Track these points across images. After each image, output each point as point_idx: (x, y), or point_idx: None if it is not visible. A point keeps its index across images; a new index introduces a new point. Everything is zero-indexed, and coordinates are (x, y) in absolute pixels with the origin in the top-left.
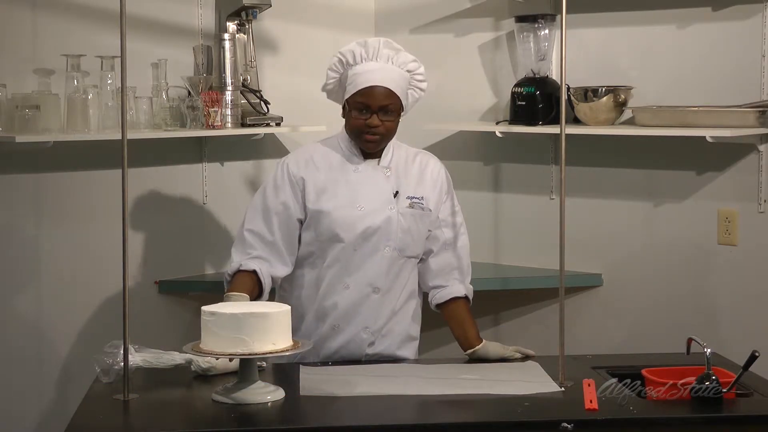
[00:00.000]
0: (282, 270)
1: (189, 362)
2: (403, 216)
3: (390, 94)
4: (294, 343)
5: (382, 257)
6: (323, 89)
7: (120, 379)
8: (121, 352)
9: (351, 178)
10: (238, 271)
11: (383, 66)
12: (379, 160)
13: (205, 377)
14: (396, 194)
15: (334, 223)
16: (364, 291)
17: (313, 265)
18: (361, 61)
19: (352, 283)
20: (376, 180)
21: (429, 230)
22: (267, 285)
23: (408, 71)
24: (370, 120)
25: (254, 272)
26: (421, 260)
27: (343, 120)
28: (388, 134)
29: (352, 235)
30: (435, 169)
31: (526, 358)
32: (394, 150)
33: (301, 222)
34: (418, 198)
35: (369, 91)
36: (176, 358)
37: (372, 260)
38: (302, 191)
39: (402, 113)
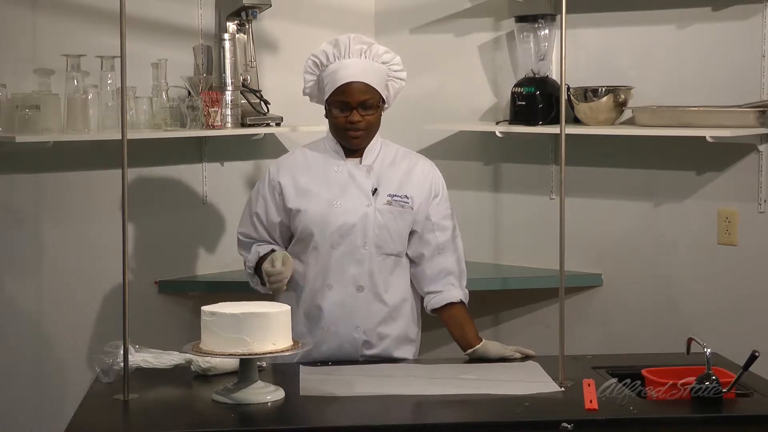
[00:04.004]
0: None
1: (189, 362)
2: (380, 213)
3: (367, 88)
4: (294, 343)
5: (362, 255)
6: (304, 94)
7: (120, 379)
8: (121, 352)
9: (331, 178)
10: (260, 258)
11: (357, 61)
12: (361, 159)
13: (205, 377)
14: (375, 191)
15: (309, 222)
16: (348, 290)
17: (302, 265)
18: (335, 60)
19: (335, 283)
20: (356, 178)
21: (416, 231)
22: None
23: (383, 63)
24: (351, 116)
25: (273, 251)
26: (414, 263)
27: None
28: (371, 128)
29: (328, 232)
30: (424, 170)
31: (526, 358)
32: (382, 149)
33: (282, 224)
34: (400, 196)
35: (346, 88)
36: (176, 358)
37: (352, 258)
38: (280, 194)
39: (386, 106)
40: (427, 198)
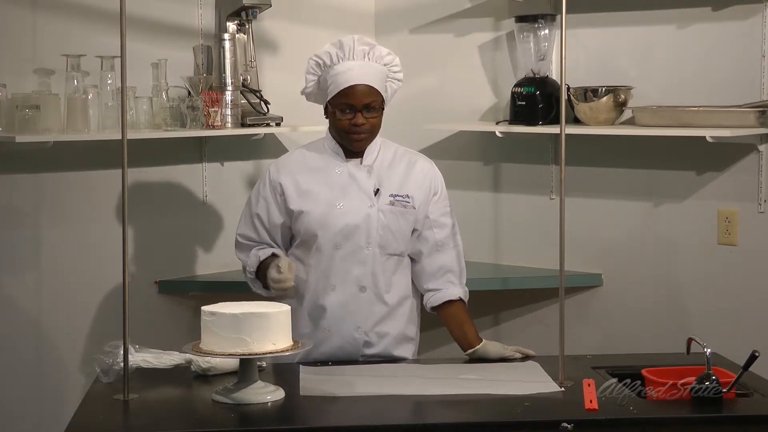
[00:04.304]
0: None
1: (189, 362)
2: (383, 213)
3: (371, 91)
4: (294, 343)
5: (365, 256)
6: (302, 93)
7: (120, 379)
8: (121, 352)
9: (333, 179)
10: (261, 262)
11: (361, 63)
12: (361, 160)
13: (205, 377)
14: (377, 192)
15: (312, 223)
16: (351, 290)
17: (304, 266)
18: (338, 62)
19: (338, 284)
20: (357, 179)
21: (416, 229)
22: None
23: (385, 65)
24: (355, 119)
25: (273, 255)
26: (413, 261)
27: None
28: (374, 130)
29: (331, 233)
30: (423, 169)
31: (526, 358)
32: (381, 149)
33: (284, 225)
34: (401, 196)
35: (351, 91)
36: (176, 358)
37: (355, 259)
38: (281, 195)
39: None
40: (427, 196)
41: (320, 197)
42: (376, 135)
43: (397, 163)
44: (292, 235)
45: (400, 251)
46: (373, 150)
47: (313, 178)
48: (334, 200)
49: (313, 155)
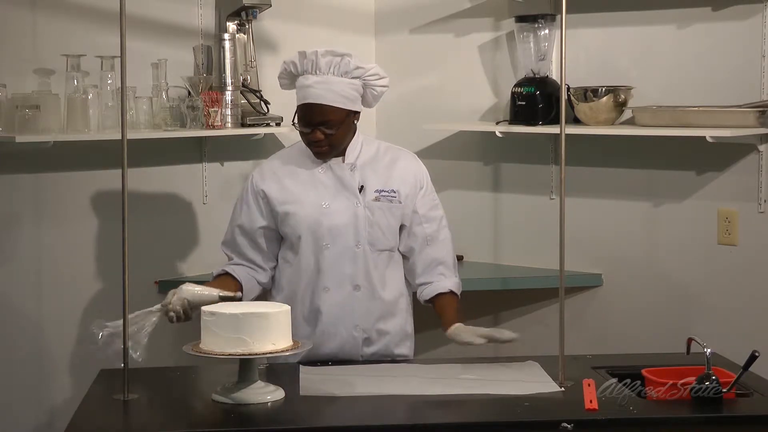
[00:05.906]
0: (261, 276)
1: (161, 309)
2: (369, 209)
3: (327, 109)
4: (294, 343)
5: (356, 254)
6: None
7: (120, 377)
8: (107, 326)
9: (316, 179)
10: (215, 278)
11: (322, 79)
12: (344, 158)
13: (205, 378)
14: (361, 189)
15: (299, 225)
16: (345, 290)
17: (293, 269)
18: (303, 73)
19: (332, 284)
20: (341, 177)
21: (404, 224)
22: (244, 281)
23: (355, 77)
24: (311, 135)
25: (226, 273)
26: (405, 257)
27: None
28: (335, 144)
29: (318, 234)
30: (406, 163)
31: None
32: (363, 146)
33: (268, 229)
34: (387, 191)
35: (306, 107)
36: (154, 310)
37: (346, 258)
38: (264, 199)
39: (360, 113)
40: (413, 190)
41: (305, 198)
42: (341, 146)
43: (380, 159)
44: (279, 242)
45: (390, 246)
46: (354, 148)
47: (297, 179)
48: (320, 200)
49: (296, 156)
